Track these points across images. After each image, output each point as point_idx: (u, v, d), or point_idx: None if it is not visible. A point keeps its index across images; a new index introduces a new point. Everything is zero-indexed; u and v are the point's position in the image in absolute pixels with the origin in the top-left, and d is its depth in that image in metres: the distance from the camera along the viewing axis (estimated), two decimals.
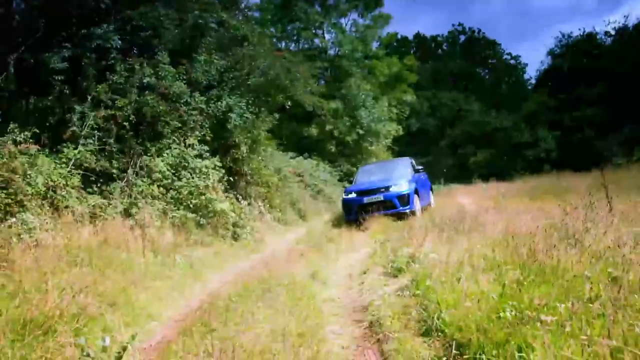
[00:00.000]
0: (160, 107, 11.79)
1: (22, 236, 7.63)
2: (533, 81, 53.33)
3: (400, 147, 48.61)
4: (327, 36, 29.49)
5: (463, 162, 49.16)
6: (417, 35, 61.97)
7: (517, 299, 3.81)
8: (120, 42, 11.71)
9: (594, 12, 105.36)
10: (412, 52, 61.71)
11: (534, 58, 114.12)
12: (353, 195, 15.85)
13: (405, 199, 15.16)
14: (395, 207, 15.00)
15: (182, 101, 12.42)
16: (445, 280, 4.98)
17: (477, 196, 22.05)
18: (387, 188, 15.44)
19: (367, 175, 17.75)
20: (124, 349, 3.14)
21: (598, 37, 44.78)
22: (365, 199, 15.41)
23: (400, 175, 16.37)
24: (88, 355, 3.05)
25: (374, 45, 33.47)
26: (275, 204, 16.67)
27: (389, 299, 5.48)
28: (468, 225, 9.05)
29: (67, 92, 11.23)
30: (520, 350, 3.07)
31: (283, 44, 30.42)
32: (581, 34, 44.96)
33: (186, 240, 10.49)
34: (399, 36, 61.11)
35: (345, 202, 16.01)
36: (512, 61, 60.12)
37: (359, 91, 27.18)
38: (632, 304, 3.29)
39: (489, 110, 49.80)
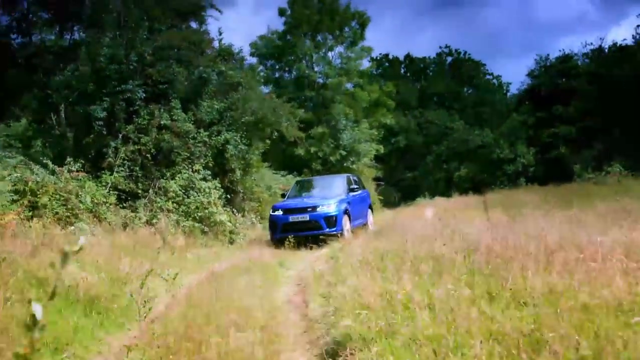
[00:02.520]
0: (174, 142, 15.43)
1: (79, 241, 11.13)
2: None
3: (390, 163, 52.28)
4: (315, 68, 32.83)
5: (449, 176, 52.38)
6: (408, 56, 65.34)
7: (374, 264, 7.39)
8: (143, 93, 15.41)
9: (598, 24, 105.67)
10: (402, 71, 65.37)
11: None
12: (279, 212, 15.34)
13: (332, 221, 14.82)
14: (321, 228, 14.71)
15: (190, 136, 15.96)
16: (349, 258, 8.59)
17: (442, 208, 25.54)
18: (314, 208, 15.08)
19: (300, 191, 17.48)
20: (176, 274, 6.62)
21: (574, 58, 46.90)
22: (291, 218, 15.02)
23: (332, 195, 16.00)
24: (162, 277, 6.54)
25: (364, 65, 36.99)
26: (265, 215, 19.85)
27: (318, 272, 9.09)
28: (399, 231, 12.60)
29: (104, 132, 14.94)
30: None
31: (277, 74, 34.19)
32: (559, 55, 47.03)
33: (194, 243, 13.98)
34: (390, 56, 64.90)
35: (271, 220, 15.49)
36: (495, 81, 63.61)
37: (342, 116, 30.56)
38: (412, 261, 6.88)
39: (472, 127, 52.68)
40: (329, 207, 15.00)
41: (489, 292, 5.04)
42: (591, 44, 45.14)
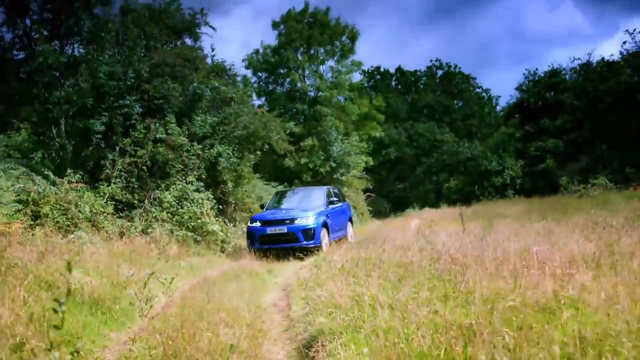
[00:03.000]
0: (169, 155, 16.19)
1: (83, 247, 11.87)
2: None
3: (381, 174, 53.16)
4: (307, 81, 33.74)
5: (438, 188, 53.36)
6: (399, 69, 66.46)
7: (350, 271, 8.16)
8: (140, 108, 16.21)
9: (591, 36, 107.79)
10: (393, 84, 66.49)
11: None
12: (257, 224, 15.42)
13: (310, 234, 14.89)
14: (298, 241, 14.83)
15: (184, 149, 16.73)
16: (330, 266, 9.35)
17: (427, 220, 26.37)
18: (292, 220, 15.13)
19: (279, 202, 17.50)
20: (172, 278, 7.35)
21: (562, 73, 46.80)
22: (269, 230, 15.10)
23: (311, 207, 16.05)
24: (160, 281, 7.27)
25: (355, 78, 37.94)
26: None
27: (302, 279, 9.85)
28: (381, 241, 13.37)
29: (102, 144, 15.70)
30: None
31: (271, 87, 35.07)
32: (547, 70, 47.07)
33: (187, 252, 14.70)
34: (382, 69, 65.98)
35: (249, 231, 15.56)
36: (484, 94, 64.79)
37: (332, 129, 31.39)
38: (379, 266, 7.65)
39: (461, 140, 53.66)
40: (307, 220, 15.08)
41: (445, 294, 5.80)
42: (579, 59, 45.56)
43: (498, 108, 63.59)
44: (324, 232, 15.29)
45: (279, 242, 14.87)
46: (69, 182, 13.74)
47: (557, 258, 6.92)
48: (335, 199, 17.40)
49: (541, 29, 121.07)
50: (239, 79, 24.33)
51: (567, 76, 47.13)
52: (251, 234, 15.35)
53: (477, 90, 64.95)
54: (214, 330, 5.59)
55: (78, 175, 14.03)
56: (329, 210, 16.39)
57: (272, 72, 34.55)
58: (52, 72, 15.62)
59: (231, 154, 17.85)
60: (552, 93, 45.78)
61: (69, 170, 13.96)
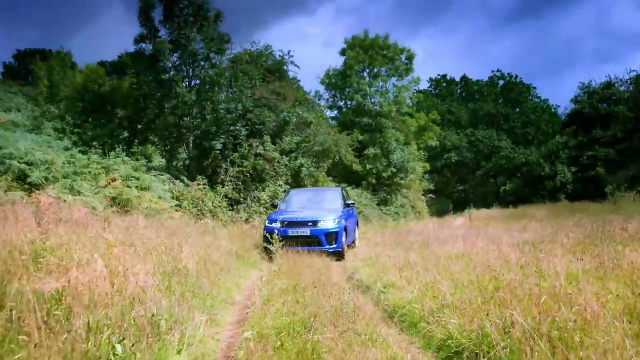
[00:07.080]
0: (265, 166, 22.19)
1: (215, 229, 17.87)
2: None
3: (446, 176, 58.22)
4: (371, 99, 38.32)
5: (496, 190, 57.54)
6: (464, 78, 71.42)
7: (380, 245, 13.90)
8: (245, 131, 22.32)
9: None
10: (458, 92, 71.44)
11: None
12: (277, 225, 14.78)
13: (333, 238, 14.48)
14: (321, 245, 14.31)
15: (276, 161, 22.68)
16: (371, 243, 15.11)
17: (466, 219, 31.50)
18: (315, 223, 14.60)
19: (294, 203, 16.78)
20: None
21: (618, 85, 49.20)
22: (290, 232, 14.51)
23: (331, 210, 15.60)
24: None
25: (419, 87, 42.81)
26: None
27: (355, 250, 15.60)
28: (412, 232, 18.97)
29: (219, 158, 21.88)
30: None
31: (342, 102, 40.73)
32: (601, 82, 50.10)
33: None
34: (448, 77, 71.07)
35: (269, 232, 14.36)
36: (543, 104, 68.88)
37: (392, 140, 36.45)
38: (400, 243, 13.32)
39: (518, 146, 57.75)
40: (330, 223, 14.63)
41: (421, 254, 11.48)
42: (635, 70, 48.33)
43: (559, 114, 66.84)
44: (344, 236, 14.97)
45: (299, 245, 13.79)
46: (198, 184, 19.86)
47: (498, 240, 12.52)
48: (350, 202, 17.07)
49: (629, 28, 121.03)
50: (315, 89, 30.22)
51: (623, 87, 49.77)
52: (271, 235, 13.87)
53: (536, 100, 69.16)
54: (303, 269, 11.45)
55: (204, 180, 20.14)
56: (346, 213, 15.94)
57: (340, 91, 39.94)
58: (186, 107, 21.75)
59: (310, 164, 23.81)
60: (605, 104, 48.57)
61: (198, 177, 20.10)
